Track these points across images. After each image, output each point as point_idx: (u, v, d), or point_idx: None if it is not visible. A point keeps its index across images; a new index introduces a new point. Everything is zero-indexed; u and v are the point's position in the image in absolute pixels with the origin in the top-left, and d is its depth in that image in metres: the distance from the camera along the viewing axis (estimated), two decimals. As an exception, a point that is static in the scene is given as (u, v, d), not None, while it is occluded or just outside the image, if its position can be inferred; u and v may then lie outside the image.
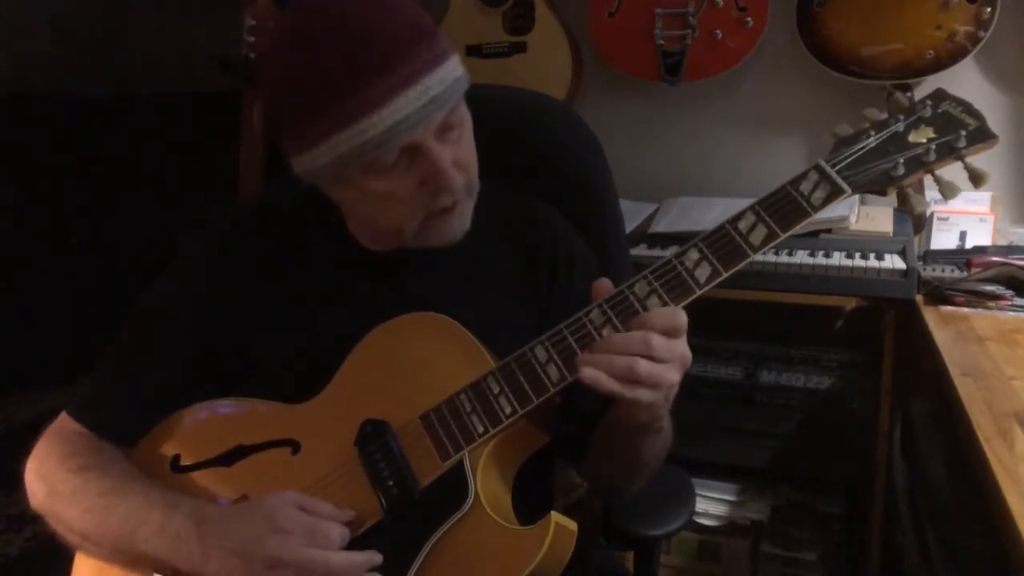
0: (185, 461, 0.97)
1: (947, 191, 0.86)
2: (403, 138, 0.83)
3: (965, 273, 1.71)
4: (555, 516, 0.82)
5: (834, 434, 1.82)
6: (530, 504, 0.92)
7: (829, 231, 1.81)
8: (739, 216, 0.83)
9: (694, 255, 0.83)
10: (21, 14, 3.00)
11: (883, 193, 0.84)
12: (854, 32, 1.92)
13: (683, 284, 0.82)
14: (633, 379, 0.79)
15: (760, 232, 0.82)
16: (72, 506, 0.91)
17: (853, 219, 1.81)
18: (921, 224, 1.93)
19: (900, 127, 0.85)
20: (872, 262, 1.68)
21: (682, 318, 0.82)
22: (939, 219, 1.95)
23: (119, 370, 1.00)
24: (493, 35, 2.20)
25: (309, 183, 0.92)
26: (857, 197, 1.88)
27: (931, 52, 1.86)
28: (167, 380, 0.98)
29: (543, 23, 2.17)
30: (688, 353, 0.83)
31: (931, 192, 1.94)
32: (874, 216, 1.85)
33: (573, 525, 0.84)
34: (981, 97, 1.96)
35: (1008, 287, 1.62)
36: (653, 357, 0.80)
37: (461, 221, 0.93)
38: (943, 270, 1.74)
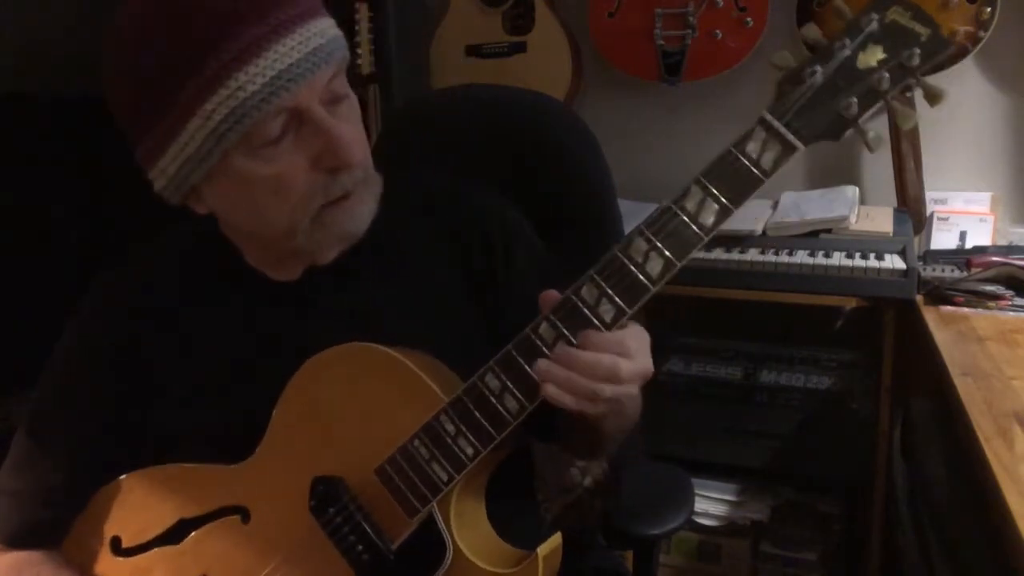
0: (127, 542, 0.89)
1: (902, 120, 0.74)
2: (286, 97, 0.73)
3: (965, 273, 1.71)
4: (541, 551, 0.77)
5: (834, 434, 1.82)
6: (512, 499, 0.88)
7: (829, 231, 1.81)
8: (685, 193, 0.74)
9: (641, 245, 0.74)
10: (21, 14, 2.99)
11: (836, 138, 0.73)
12: (854, 32, 1.92)
13: (635, 283, 0.73)
14: (596, 400, 0.72)
15: (711, 208, 0.72)
16: None
17: (853, 219, 1.81)
18: (921, 224, 1.93)
19: (847, 52, 0.72)
20: (872, 262, 1.68)
21: (646, 339, 0.75)
22: (939, 219, 1.95)
23: (24, 471, 0.91)
24: (493, 35, 2.20)
25: (181, 205, 0.82)
26: (857, 197, 1.89)
27: (931, 52, 1.85)
28: (78, 472, 0.90)
29: (543, 23, 2.17)
30: (651, 365, 0.76)
31: (931, 192, 1.96)
32: (874, 216, 1.85)
33: (558, 541, 0.79)
34: (981, 97, 1.97)
35: (1008, 287, 1.62)
36: (620, 381, 0.72)
37: (361, 209, 0.83)
38: (943, 270, 1.74)
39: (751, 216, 1.85)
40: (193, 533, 0.87)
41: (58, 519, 0.91)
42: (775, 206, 1.93)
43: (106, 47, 0.77)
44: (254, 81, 0.71)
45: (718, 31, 2.01)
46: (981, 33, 1.81)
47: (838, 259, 1.71)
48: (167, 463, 0.89)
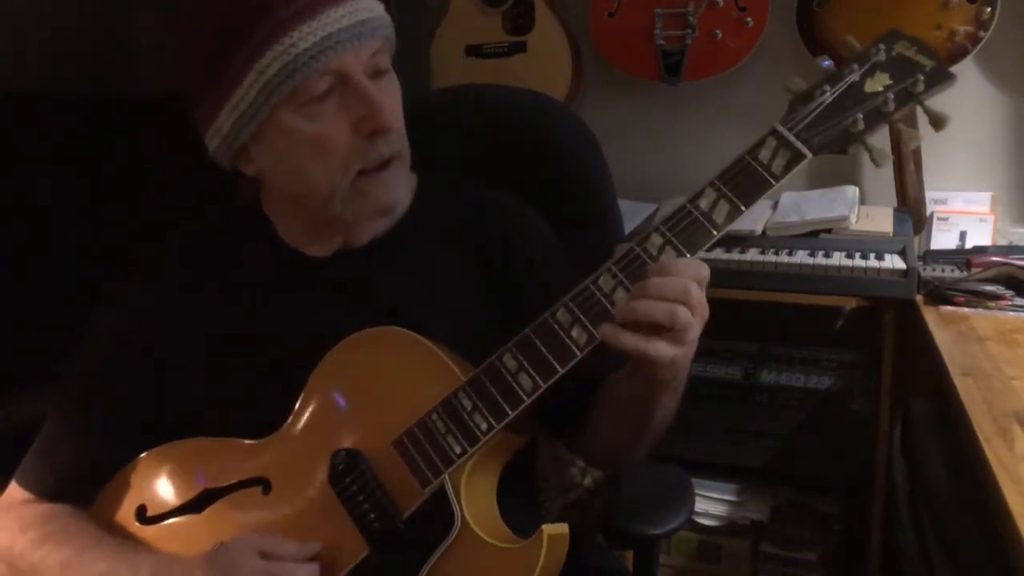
0: (151, 511, 0.93)
1: (907, 139, 0.81)
2: (333, 58, 0.80)
3: (965, 273, 1.71)
4: (547, 529, 0.79)
5: (834, 434, 1.82)
6: (515, 496, 0.90)
7: (829, 231, 1.81)
8: (699, 194, 0.79)
9: (657, 240, 0.78)
10: (20, 14, 3.00)
11: (844, 152, 0.80)
12: (854, 32, 1.91)
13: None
14: (669, 326, 0.75)
15: (723, 208, 0.77)
16: None
17: (853, 219, 1.81)
18: (921, 224, 1.93)
19: (855, 77, 0.80)
20: (872, 262, 1.68)
21: (707, 270, 0.77)
22: (939, 219, 1.95)
23: (62, 431, 0.96)
24: (493, 35, 2.20)
25: (227, 165, 0.88)
26: (857, 197, 1.88)
27: (931, 52, 1.86)
28: (113, 434, 0.94)
29: (543, 23, 2.17)
30: (708, 310, 0.78)
31: (931, 192, 1.96)
32: (874, 216, 1.85)
33: (564, 529, 0.81)
34: (981, 97, 1.97)
35: (1008, 287, 1.62)
36: (689, 304, 0.75)
37: (397, 184, 0.89)
38: (943, 270, 1.74)
39: (751, 216, 1.85)
40: (215, 503, 0.91)
41: (87, 482, 0.95)
42: (775, 206, 1.93)
43: (173, 18, 0.86)
44: (306, 39, 0.78)
45: (718, 31, 2.01)
46: (981, 33, 1.81)
47: (838, 259, 1.71)
48: (195, 435, 0.93)
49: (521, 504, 0.90)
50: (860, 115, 0.78)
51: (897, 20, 1.87)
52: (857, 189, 1.91)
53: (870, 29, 1.89)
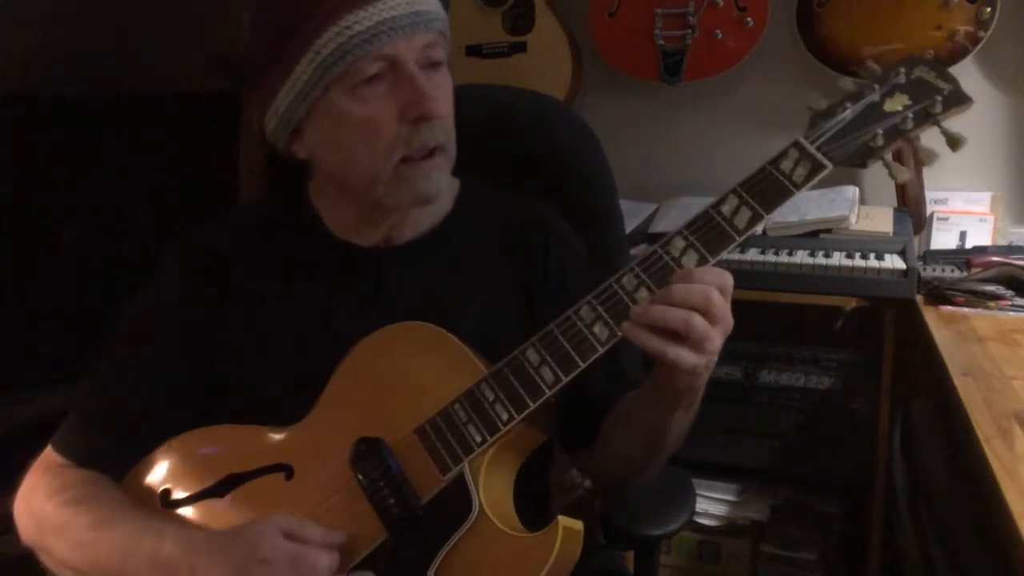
0: (176, 495, 0.94)
1: (925, 158, 0.84)
2: (386, 43, 0.83)
3: (965, 273, 1.71)
4: (562, 520, 0.80)
5: (834, 434, 1.82)
6: (527, 501, 0.91)
7: (829, 231, 1.81)
8: (722, 200, 0.81)
9: (679, 243, 0.81)
10: (21, 14, 2.99)
11: (863, 165, 0.83)
12: (854, 32, 1.92)
13: (670, 275, 0.80)
14: (684, 335, 0.76)
15: (744, 214, 0.80)
16: (62, 540, 0.90)
17: (853, 219, 1.81)
18: (921, 224, 1.93)
19: (876, 96, 0.83)
20: (872, 262, 1.68)
21: (730, 279, 0.79)
22: (939, 219, 1.95)
23: (102, 401, 0.98)
24: (493, 35, 2.20)
25: (279, 152, 0.91)
26: (857, 197, 1.88)
27: (931, 52, 1.86)
28: (150, 409, 0.96)
29: (543, 23, 2.17)
30: (731, 320, 0.80)
31: (931, 192, 1.96)
32: (874, 216, 1.85)
33: (579, 525, 0.82)
34: (981, 97, 1.95)
35: (1008, 287, 1.63)
36: (710, 314, 0.77)
37: (438, 176, 0.90)
38: (943, 270, 1.74)
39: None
40: (238, 488, 0.92)
41: (121, 455, 0.96)
42: (775, 206, 1.93)
43: (243, 7, 0.91)
44: (360, 23, 0.82)
45: (718, 31, 2.02)
46: (981, 33, 1.81)
47: (838, 259, 1.71)
48: (223, 421, 0.95)
49: (533, 512, 0.90)
50: (880, 131, 0.82)
51: (897, 20, 1.88)
52: (857, 189, 1.91)
53: (870, 29, 1.90)
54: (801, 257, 1.74)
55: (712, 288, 0.77)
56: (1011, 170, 1.98)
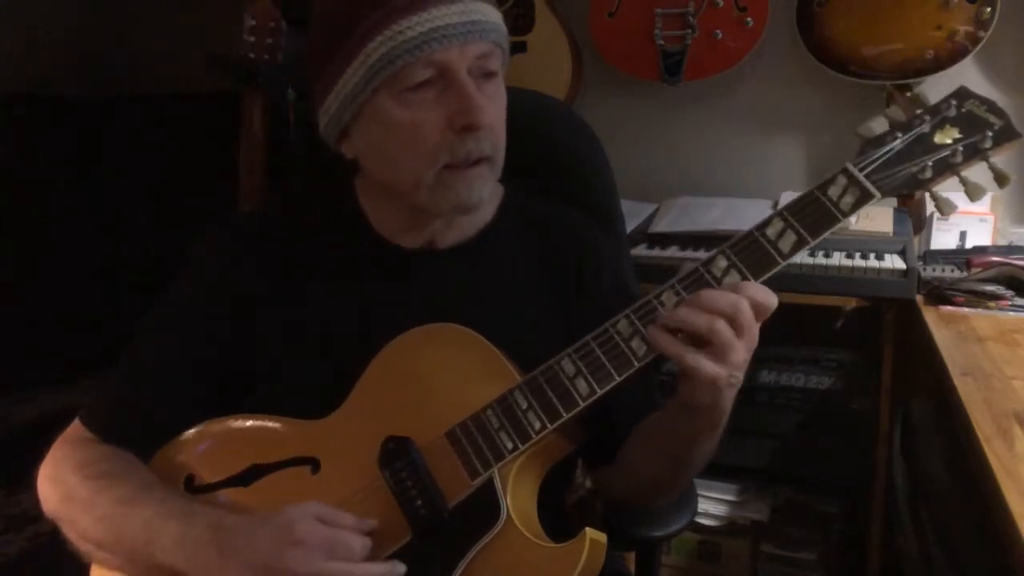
0: (199, 480, 0.94)
1: (973, 193, 0.85)
2: (437, 50, 0.83)
3: (965, 273, 1.71)
4: (590, 532, 0.80)
5: (834, 434, 1.82)
6: (548, 507, 0.91)
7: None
8: (767, 222, 0.81)
9: (722, 263, 0.80)
10: (20, 14, 2.99)
11: (911, 196, 0.84)
12: (854, 32, 1.92)
13: None
14: (707, 339, 0.76)
15: (789, 238, 0.80)
16: (87, 513, 0.89)
17: (853, 219, 1.80)
18: (921, 224, 1.93)
19: (926, 128, 0.83)
20: (872, 262, 1.68)
21: (774, 301, 0.79)
22: (939, 219, 1.95)
23: (132, 379, 0.98)
24: (493, 35, 2.19)
25: (328, 148, 0.91)
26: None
27: (931, 52, 1.86)
28: (181, 392, 0.96)
29: (543, 23, 2.17)
30: (757, 337, 0.79)
31: (947, 192, 1.96)
32: (874, 216, 1.85)
33: (604, 537, 0.81)
34: (981, 97, 1.97)
35: (1008, 287, 1.62)
36: (736, 323, 0.76)
37: (481, 185, 0.90)
38: (943, 270, 1.74)
39: (751, 216, 1.85)
40: (263, 478, 0.92)
41: (148, 434, 0.96)
42: (775, 206, 1.92)
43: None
44: (412, 29, 0.82)
45: (718, 31, 2.02)
46: (981, 33, 1.81)
47: (838, 259, 1.71)
48: (253, 411, 0.95)
49: (551, 518, 0.90)
50: (929, 163, 0.82)
51: (897, 20, 1.88)
52: (857, 189, 1.91)
53: (870, 29, 1.90)
54: (801, 257, 1.73)
55: (743, 299, 0.77)
56: (1011, 170, 1.97)
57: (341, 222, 0.99)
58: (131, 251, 3.11)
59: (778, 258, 0.80)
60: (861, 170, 0.81)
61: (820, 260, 1.72)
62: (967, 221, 1.93)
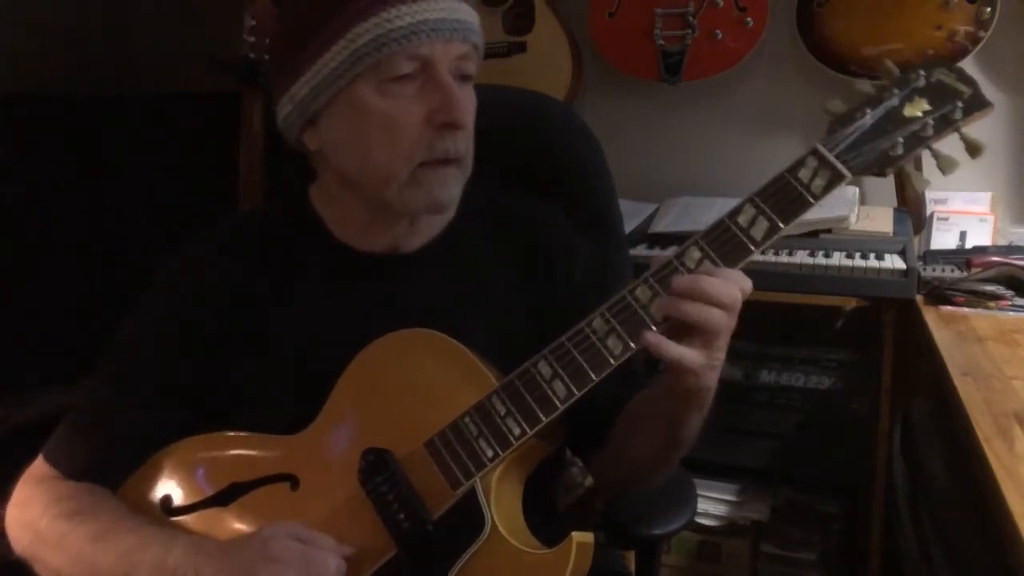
0: (177, 502, 0.92)
1: (946, 166, 0.81)
2: (424, 43, 0.82)
3: (965, 273, 1.71)
4: (576, 536, 0.79)
5: (834, 434, 1.82)
6: (535, 505, 0.90)
7: (829, 231, 1.81)
8: (738, 210, 0.79)
9: (695, 254, 0.79)
10: (20, 14, 2.99)
11: (882, 174, 0.80)
12: (854, 32, 1.92)
13: None
14: (697, 330, 0.76)
15: (761, 226, 0.78)
16: (60, 553, 0.87)
17: (853, 219, 1.81)
18: (921, 224, 1.93)
19: (895, 101, 0.80)
20: (872, 262, 1.68)
21: (750, 284, 0.78)
22: (939, 219, 1.95)
23: (95, 411, 0.96)
24: (493, 35, 2.19)
25: (291, 141, 0.89)
26: (857, 197, 1.88)
27: (931, 52, 1.86)
28: (147, 418, 0.93)
29: (543, 23, 2.17)
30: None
31: (931, 192, 1.96)
32: (874, 216, 1.85)
33: (591, 538, 0.81)
34: (981, 97, 1.96)
35: (1008, 287, 1.62)
36: (732, 310, 0.77)
37: (454, 185, 0.89)
38: (943, 270, 1.74)
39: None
40: (241, 497, 0.90)
41: (114, 467, 0.94)
42: (775, 206, 1.92)
43: None
44: (402, 18, 0.81)
45: (718, 31, 2.02)
46: (981, 33, 1.81)
47: (838, 259, 1.71)
48: (226, 430, 0.93)
49: (541, 516, 0.90)
50: (900, 139, 0.79)
51: (897, 20, 1.87)
52: (857, 189, 1.91)
53: (870, 29, 1.90)
54: (801, 257, 1.74)
55: (733, 283, 0.77)
56: (1011, 170, 1.98)
57: (300, 231, 0.96)
58: (131, 251, 3.10)
59: (751, 246, 0.78)
60: (831, 150, 0.78)
61: (820, 260, 1.72)
62: (967, 221, 1.93)
